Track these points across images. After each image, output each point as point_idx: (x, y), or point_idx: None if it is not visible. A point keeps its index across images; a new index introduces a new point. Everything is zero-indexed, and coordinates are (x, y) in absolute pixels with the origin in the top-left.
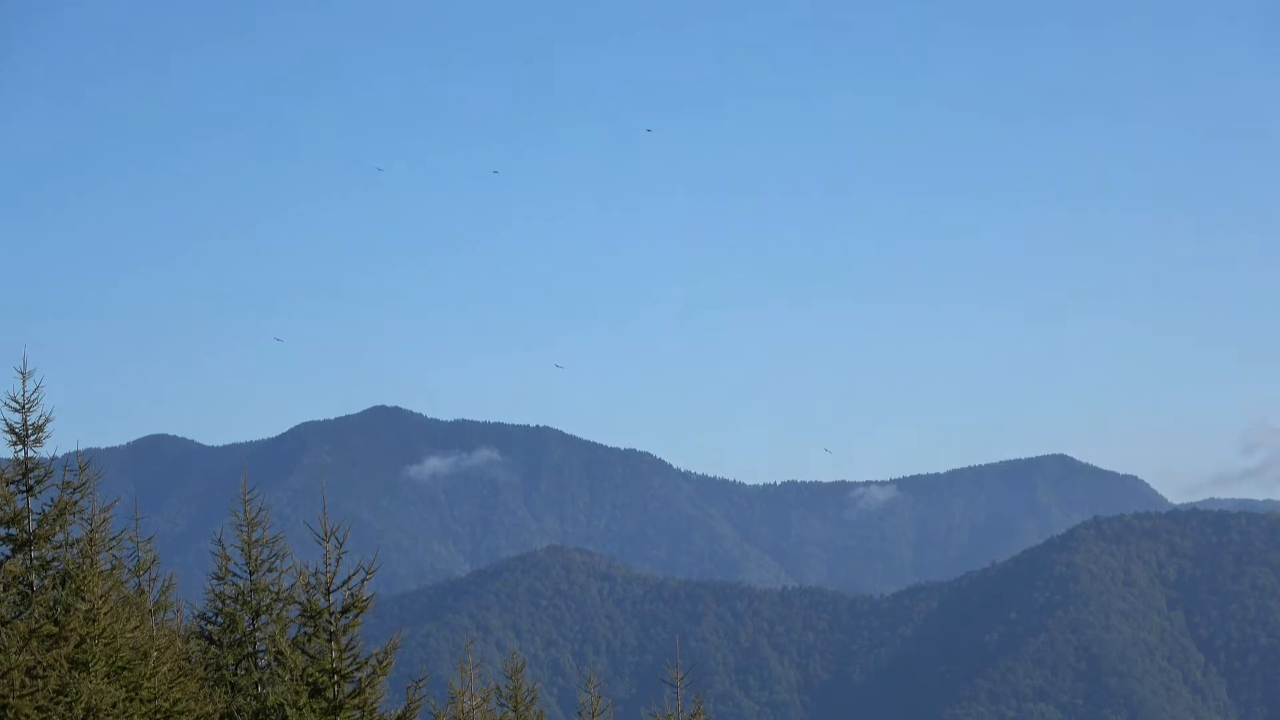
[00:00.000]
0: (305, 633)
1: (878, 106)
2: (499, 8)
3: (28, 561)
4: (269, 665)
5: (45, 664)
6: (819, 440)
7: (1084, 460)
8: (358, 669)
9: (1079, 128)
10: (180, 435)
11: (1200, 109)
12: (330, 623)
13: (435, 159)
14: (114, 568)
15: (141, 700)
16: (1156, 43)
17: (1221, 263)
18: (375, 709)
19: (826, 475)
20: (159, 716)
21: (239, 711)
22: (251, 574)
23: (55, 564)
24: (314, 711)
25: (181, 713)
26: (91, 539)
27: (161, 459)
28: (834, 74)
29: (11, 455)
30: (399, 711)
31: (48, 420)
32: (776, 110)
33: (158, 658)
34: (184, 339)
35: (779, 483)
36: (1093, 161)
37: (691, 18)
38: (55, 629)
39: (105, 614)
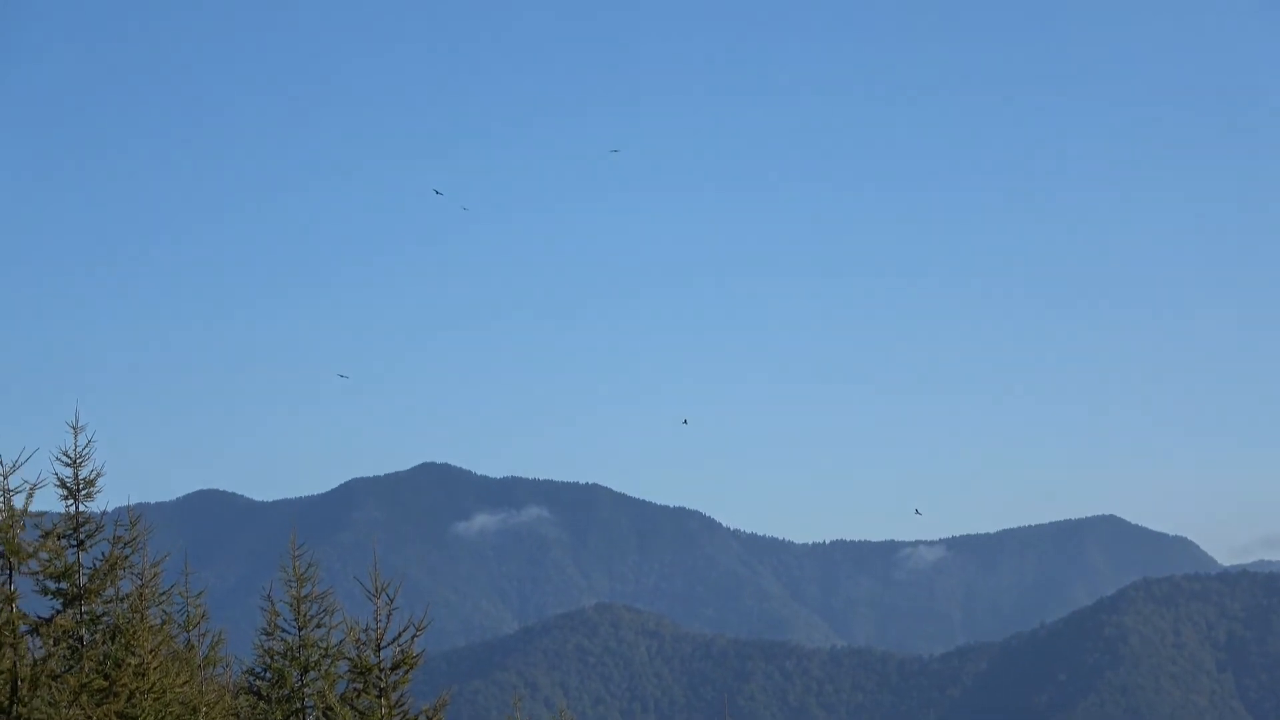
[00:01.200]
0: (354, 688)
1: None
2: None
3: (78, 616)
4: None
5: (95, 719)
6: (869, 499)
7: (1134, 521)
8: None
9: (1119, 201)
10: (231, 490)
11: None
12: (380, 679)
13: (488, 221)
14: (164, 623)
15: None
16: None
17: (1272, 324)
18: None
19: (876, 535)
20: None
21: None
22: (300, 629)
23: (105, 619)
24: None
25: None
26: (142, 594)
27: (212, 514)
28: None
29: (63, 510)
30: None
31: (99, 475)
32: (834, 184)
33: (207, 713)
34: (235, 395)
35: (828, 541)
36: (1139, 221)
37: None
38: (105, 684)
39: (155, 669)
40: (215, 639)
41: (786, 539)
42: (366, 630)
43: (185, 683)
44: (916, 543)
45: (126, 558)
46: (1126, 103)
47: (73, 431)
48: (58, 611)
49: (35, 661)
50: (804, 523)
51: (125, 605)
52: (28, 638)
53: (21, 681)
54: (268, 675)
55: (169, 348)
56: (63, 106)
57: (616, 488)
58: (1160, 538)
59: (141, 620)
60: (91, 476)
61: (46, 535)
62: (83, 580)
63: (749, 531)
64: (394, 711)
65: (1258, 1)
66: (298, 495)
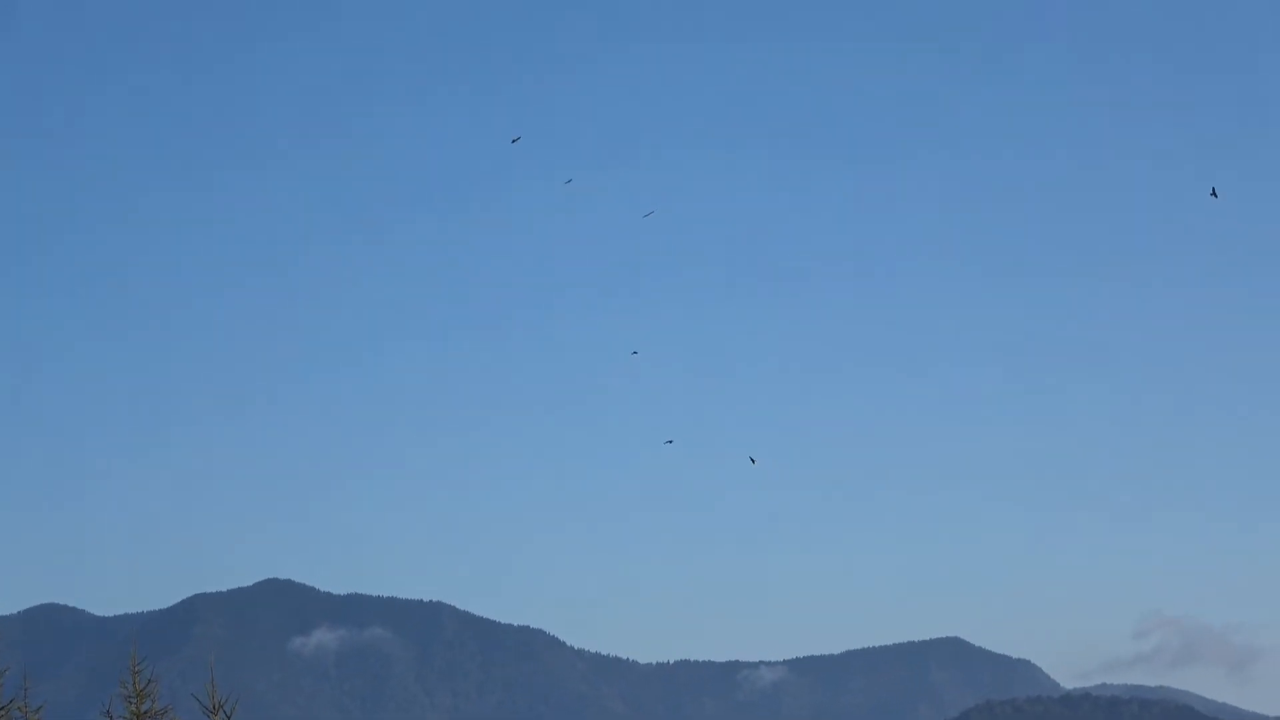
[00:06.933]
0: None
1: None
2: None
3: None
4: None
5: None
6: (712, 618)
7: (977, 644)
8: None
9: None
10: (71, 605)
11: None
12: None
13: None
14: None
15: None
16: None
17: (1118, 450)
18: None
19: (720, 655)
20: None
21: None
22: None
23: None
24: None
25: None
26: None
27: (52, 628)
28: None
29: None
30: None
31: None
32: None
33: None
34: (76, 508)
35: (672, 661)
36: (993, 350)
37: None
38: None
39: None
40: None
41: (631, 659)
42: None
43: None
44: (759, 663)
45: None
46: None
47: None
48: None
49: None
50: (649, 642)
51: None
52: None
53: None
54: None
55: (10, 458)
56: None
57: (460, 605)
58: (1003, 660)
59: None
60: None
61: None
62: None
63: (594, 651)
64: None
65: None
66: (139, 610)
